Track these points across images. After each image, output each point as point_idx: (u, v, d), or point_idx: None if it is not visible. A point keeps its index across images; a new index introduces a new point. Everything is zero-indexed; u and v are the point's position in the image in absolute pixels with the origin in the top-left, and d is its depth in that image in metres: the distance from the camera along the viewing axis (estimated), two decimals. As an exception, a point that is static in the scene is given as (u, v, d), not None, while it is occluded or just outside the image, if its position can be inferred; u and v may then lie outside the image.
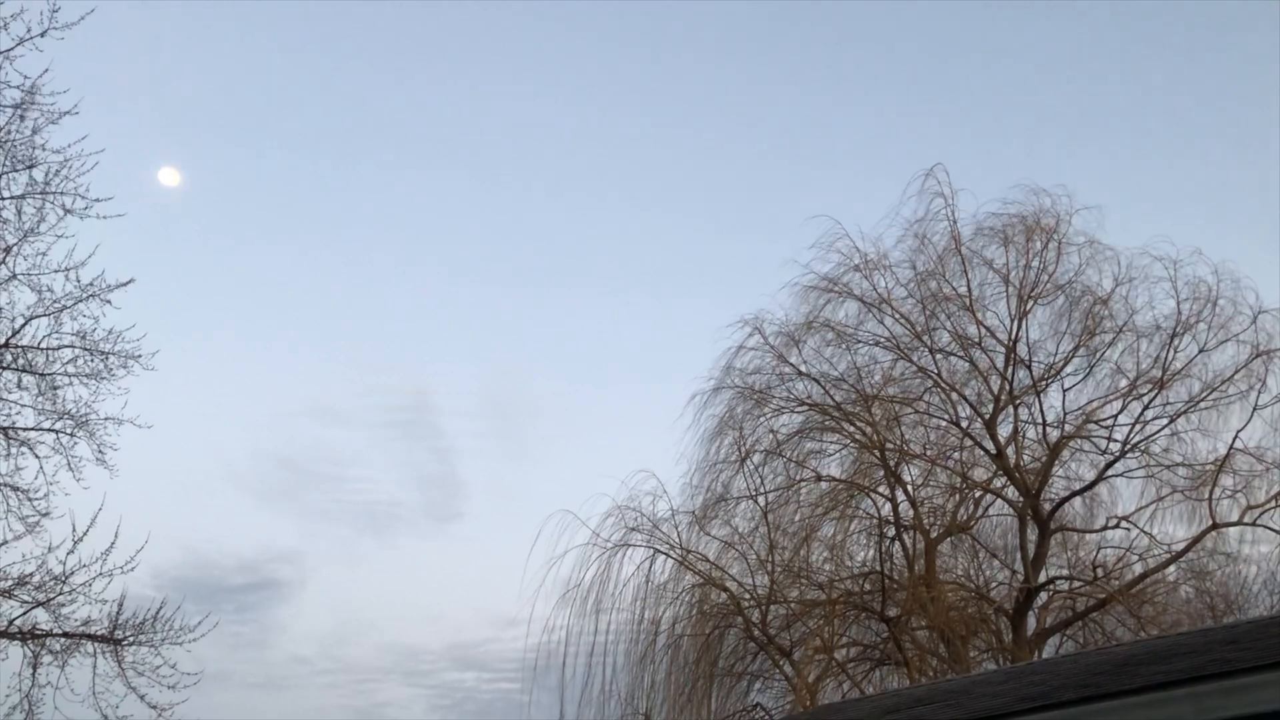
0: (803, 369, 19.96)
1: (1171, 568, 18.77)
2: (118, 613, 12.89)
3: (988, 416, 19.52)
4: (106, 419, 13.70)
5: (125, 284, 13.51)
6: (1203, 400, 19.09)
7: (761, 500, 18.90)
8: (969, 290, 19.95)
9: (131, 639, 12.90)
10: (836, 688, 19.23)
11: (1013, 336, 19.82)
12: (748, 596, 18.45)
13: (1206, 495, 18.43)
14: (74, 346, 13.51)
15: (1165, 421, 19.25)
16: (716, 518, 19.15)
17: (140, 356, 13.75)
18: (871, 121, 38.20)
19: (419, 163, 40.31)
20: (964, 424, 19.83)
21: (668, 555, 18.71)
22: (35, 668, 12.49)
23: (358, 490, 42.52)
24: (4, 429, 13.26)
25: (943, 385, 19.92)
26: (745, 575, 18.73)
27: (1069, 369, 19.87)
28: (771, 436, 19.57)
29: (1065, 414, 19.88)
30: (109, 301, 13.39)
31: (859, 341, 20.21)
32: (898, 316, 20.12)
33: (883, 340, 20.14)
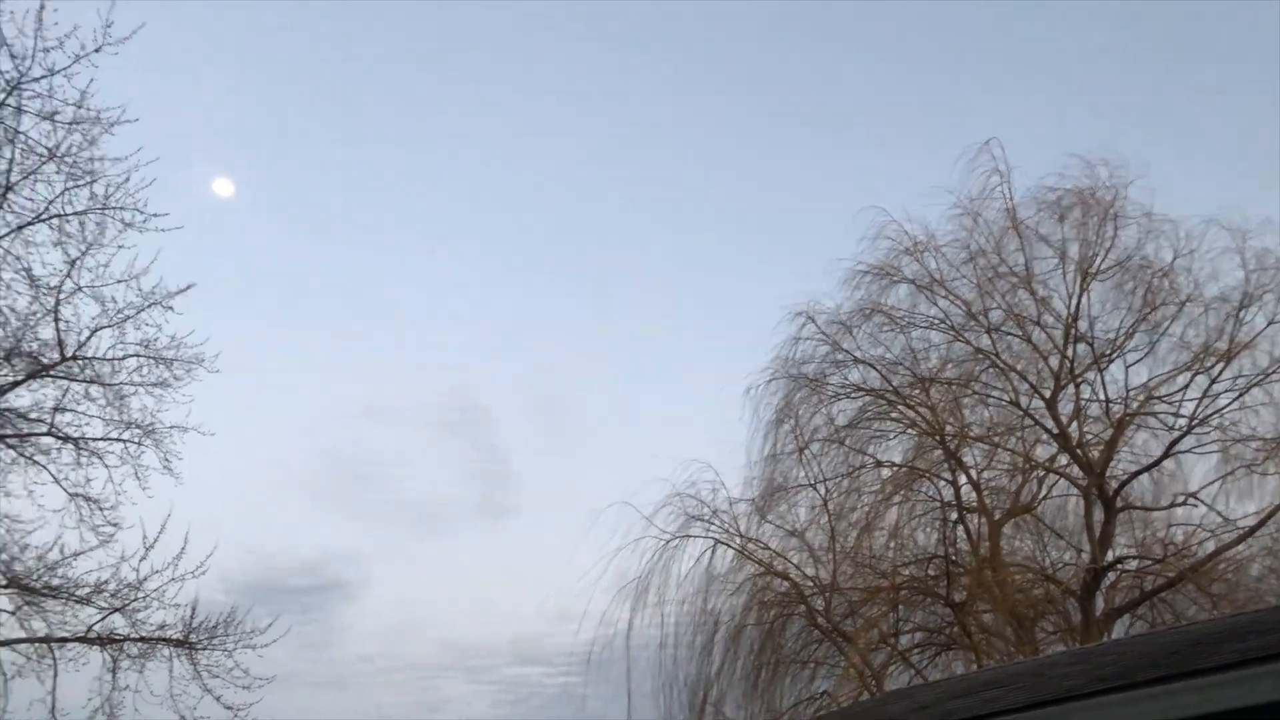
0: (857, 355, 19.83)
1: (1242, 544, 18.35)
2: (191, 617, 13.20)
3: (1048, 395, 19.20)
4: (172, 427, 14.04)
5: (185, 289, 13.82)
6: (1273, 373, 18.62)
7: (821, 489, 18.84)
8: (1026, 267, 19.64)
9: (205, 642, 13.18)
10: (902, 673, 19.08)
11: (1072, 312, 19.46)
12: (810, 585, 18.39)
13: (1277, 469, 18.00)
14: (138, 355, 13.83)
15: (1233, 395, 18.80)
16: (776, 507, 19.13)
17: (203, 360, 14.05)
18: (916, 102, 37.74)
19: (466, 165, 40.56)
20: (1024, 403, 19.51)
21: (727, 545, 18.71)
22: (115, 672, 12.82)
23: (413, 489, 43.00)
24: (75, 440, 13.59)
25: (1001, 365, 19.63)
26: (807, 564, 18.68)
27: (1131, 344, 19.46)
28: (829, 424, 19.47)
29: (1128, 390, 19.50)
30: (170, 308, 13.68)
31: (913, 325, 20.00)
32: (951, 297, 19.89)
33: (937, 322, 19.91)
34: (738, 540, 18.66)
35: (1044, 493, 19.72)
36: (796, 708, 18.79)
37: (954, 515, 18.86)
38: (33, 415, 13.53)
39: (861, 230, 20.44)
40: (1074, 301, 19.50)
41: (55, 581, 12.80)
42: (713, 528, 18.66)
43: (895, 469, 19.20)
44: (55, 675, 12.65)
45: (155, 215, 13.19)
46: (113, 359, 13.80)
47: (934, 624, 19.40)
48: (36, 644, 12.63)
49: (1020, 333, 19.74)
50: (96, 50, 12.14)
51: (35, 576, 12.70)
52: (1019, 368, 19.71)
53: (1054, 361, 19.49)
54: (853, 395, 19.73)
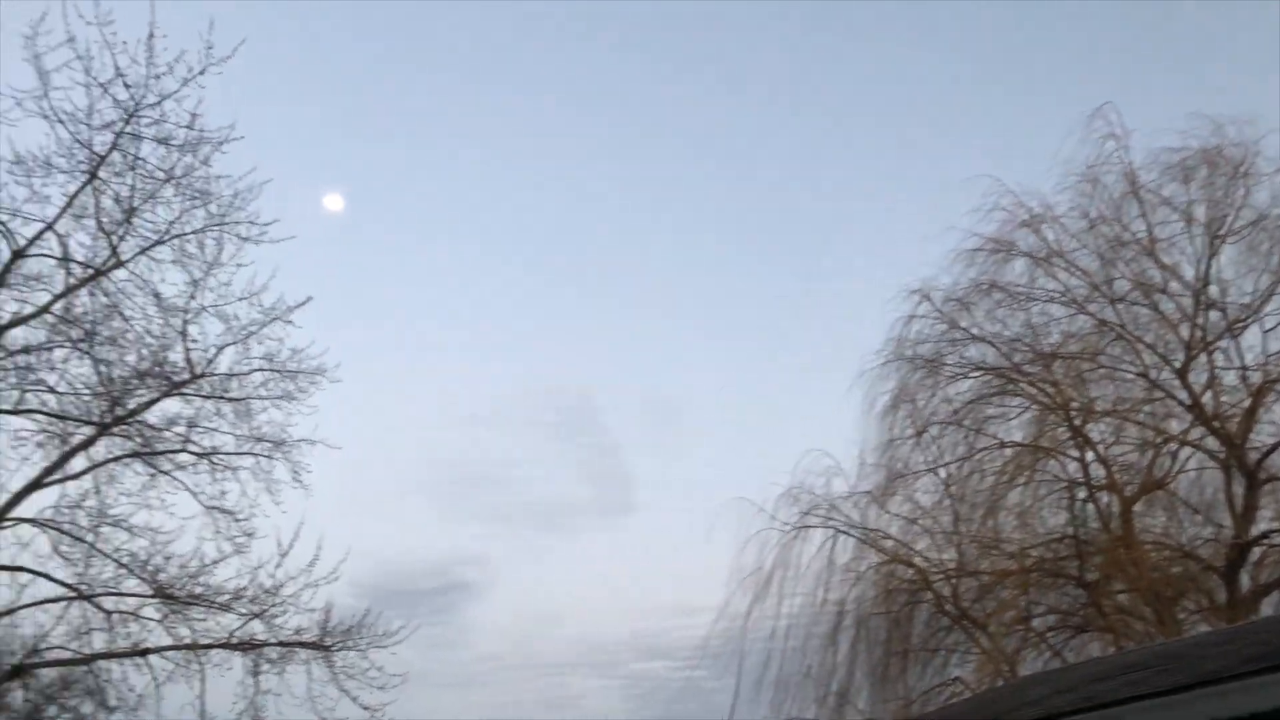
0: (975, 333, 19.31)
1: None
2: (325, 621, 13.63)
3: (1179, 365, 18.36)
4: (300, 440, 14.51)
5: (303, 303, 14.31)
6: None
7: (942, 472, 18.45)
8: (1149, 233, 18.83)
9: (340, 645, 13.58)
10: (1037, 657, 18.55)
11: (1201, 278, 18.57)
12: (936, 570, 18.03)
13: None
14: (263, 370, 14.35)
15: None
16: (896, 494, 18.78)
17: (325, 371, 14.52)
18: (1022, 71, 36.52)
19: (564, 167, 40.87)
20: (1153, 375, 18.69)
21: (848, 534, 18.48)
22: (257, 675, 13.32)
23: (531, 491, 43.55)
24: (208, 456, 14.14)
25: (1126, 336, 18.86)
26: (931, 550, 18.33)
27: (1268, 308, 18.49)
28: (948, 406, 19.02)
29: (1267, 356, 18.52)
30: (290, 321, 14.19)
31: (1032, 299, 19.35)
32: (1072, 269, 19.19)
33: (1057, 295, 19.23)
34: (858, 529, 18.41)
35: (1177, 467, 18.90)
36: (928, 695, 18.45)
37: (1083, 493, 18.23)
38: (168, 433, 14.15)
39: (974, 202, 19.87)
40: (1203, 266, 18.61)
41: (197, 590, 13.36)
42: (832, 518, 18.47)
43: (1019, 448, 18.64)
44: (203, 680, 13.21)
45: (268, 225, 13.72)
46: (239, 374, 14.37)
47: (1067, 606, 18.78)
48: (183, 650, 13.18)
49: (1147, 302, 18.93)
50: (202, 72, 12.63)
51: (179, 586, 13.27)
52: (1147, 339, 18.89)
53: (1184, 330, 18.63)
54: (971, 375, 19.22)
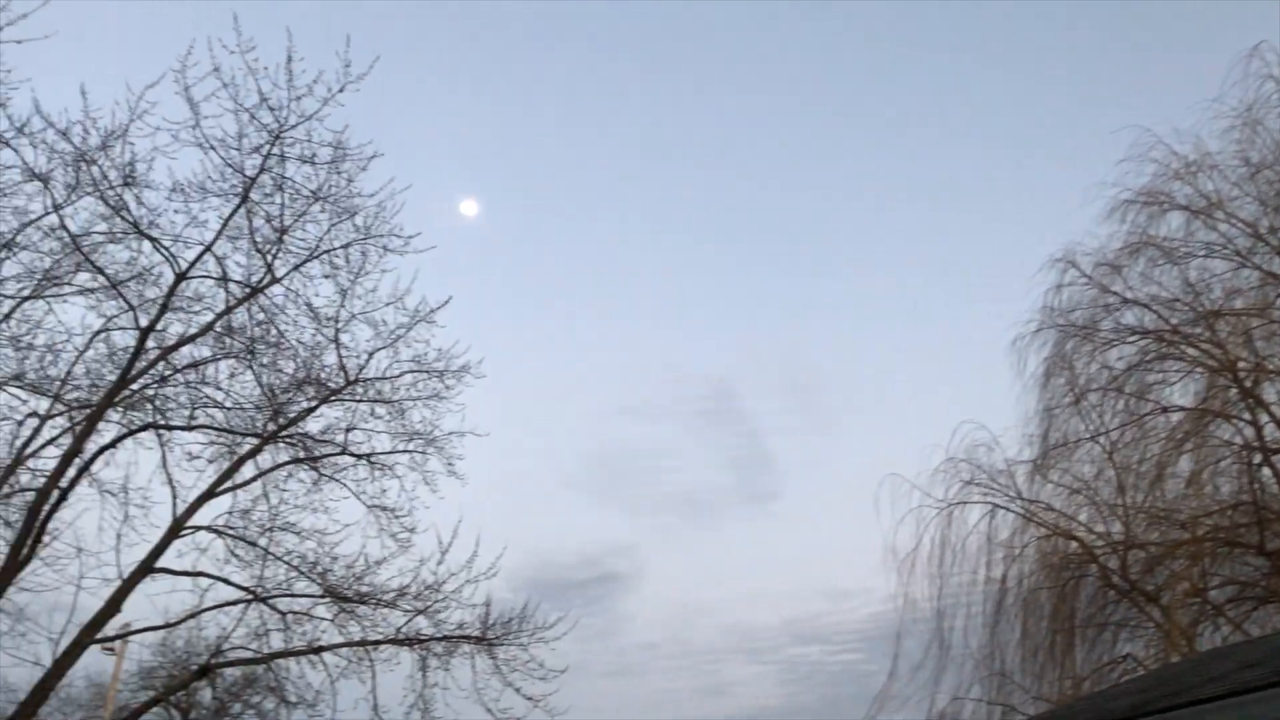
0: (1129, 296, 18.43)
1: None
2: (486, 615, 13.92)
3: (1359, 316, 17.20)
4: (450, 433, 14.95)
5: (444, 304, 14.72)
6: None
7: (1104, 441, 17.69)
8: (1317, 177, 17.65)
9: (501, 638, 13.87)
10: (1215, 631, 17.64)
11: (1381, 221, 17.34)
12: (1101, 543, 17.32)
13: None
14: (413, 371, 14.83)
15: None
16: (1056, 465, 18.11)
17: (470, 369, 14.91)
18: (1168, 14, 34.71)
19: (696, 158, 40.82)
20: (1330, 328, 17.57)
21: (1007, 509, 17.91)
22: (424, 670, 13.69)
23: (677, 480, 43.79)
24: (368, 457, 14.66)
25: (1297, 288, 17.74)
26: (1096, 521, 17.61)
27: None
28: (1106, 372, 18.22)
29: None
30: (434, 322, 14.61)
31: (1190, 255, 18.33)
32: (1232, 220, 18.09)
33: (1218, 249, 18.16)
34: (1018, 502, 17.83)
35: (1363, 424, 17.69)
36: (1098, 673, 17.77)
37: (1258, 458, 17.22)
38: (327, 437, 14.73)
39: (1122, 153, 18.96)
40: (1382, 207, 17.36)
41: (364, 588, 13.82)
42: (990, 491, 17.94)
43: (1185, 413, 17.73)
44: (373, 675, 13.63)
45: (411, 237, 14.14)
46: (390, 377, 14.86)
47: (1247, 576, 17.80)
48: (354, 647, 13.65)
49: (1318, 250, 17.77)
50: (340, 90, 13.00)
51: (347, 585, 13.76)
52: (1320, 289, 17.75)
53: (1363, 277, 17.43)
54: (1129, 339, 18.36)
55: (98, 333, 13.60)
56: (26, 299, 13.12)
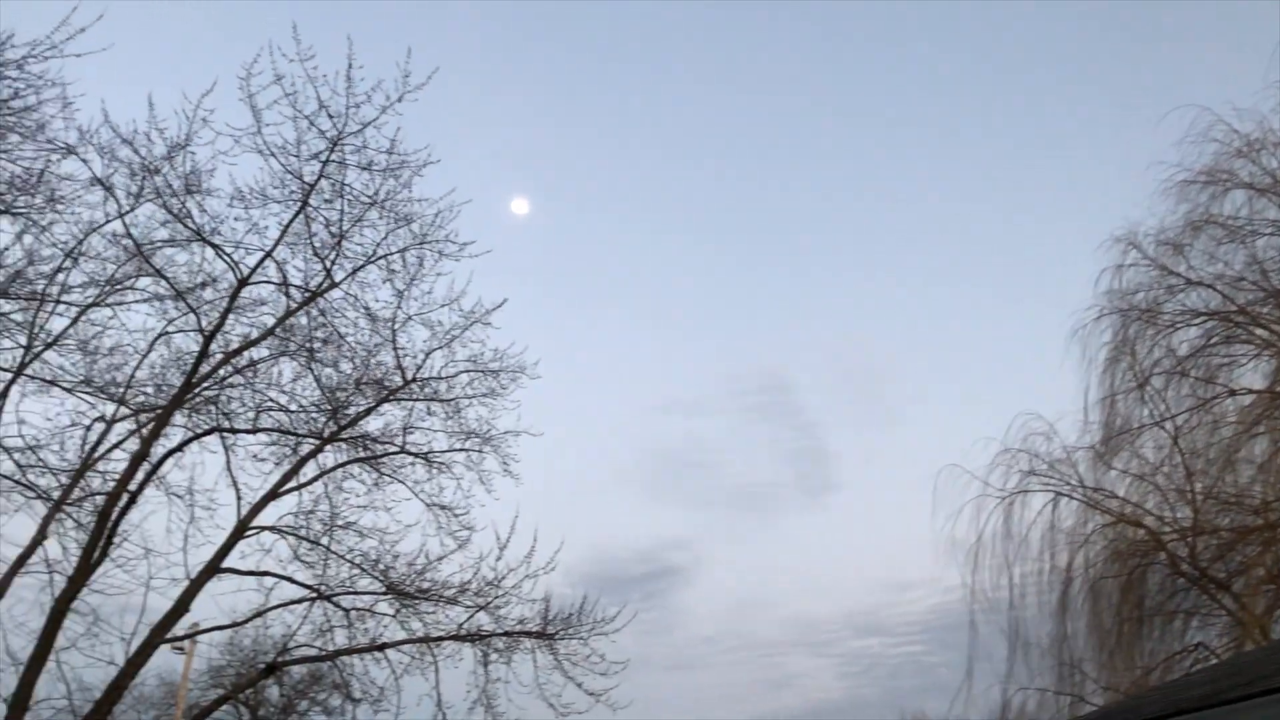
0: (1193, 276, 18.03)
1: None
2: (546, 610, 13.97)
3: None
4: (506, 433, 15.04)
5: (500, 305, 14.82)
6: None
7: (1169, 426, 17.33)
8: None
9: (561, 633, 13.91)
10: (1289, 619, 17.22)
11: None
12: (1169, 530, 16.97)
13: None
14: (469, 371, 14.94)
15: None
16: (1120, 451, 17.79)
17: (525, 369, 14.99)
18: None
19: (748, 151, 40.65)
20: (1405, 305, 17.05)
21: (1070, 496, 17.63)
22: (486, 665, 13.77)
23: (733, 474, 43.68)
24: (425, 455, 14.81)
25: (1369, 265, 17.24)
26: (1162, 508, 17.26)
27: None
28: (1170, 356, 17.85)
29: None
30: (489, 323, 14.71)
31: (1255, 233, 17.90)
32: (1298, 197, 17.66)
33: (1284, 226, 17.74)
34: (1081, 490, 17.54)
35: None
36: (1168, 661, 17.43)
37: (1334, 441, 16.77)
38: (385, 437, 14.89)
39: (1180, 134, 18.59)
40: None
41: (425, 585, 13.93)
42: (1052, 480, 17.67)
43: (1256, 396, 17.29)
44: (436, 671, 13.73)
45: (466, 244, 14.27)
46: (447, 377, 14.98)
47: (1323, 562, 17.36)
48: (417, 643, 13.77)
49: (1389, 225, 17.26)
50: (399, 99, 13.12)
51: (408, 582, 13.89)
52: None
53: None
54: (1193, 322, 17.98)
55: (159, 336, 13.88)
56: (91, 305, 13.40)
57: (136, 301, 13.84)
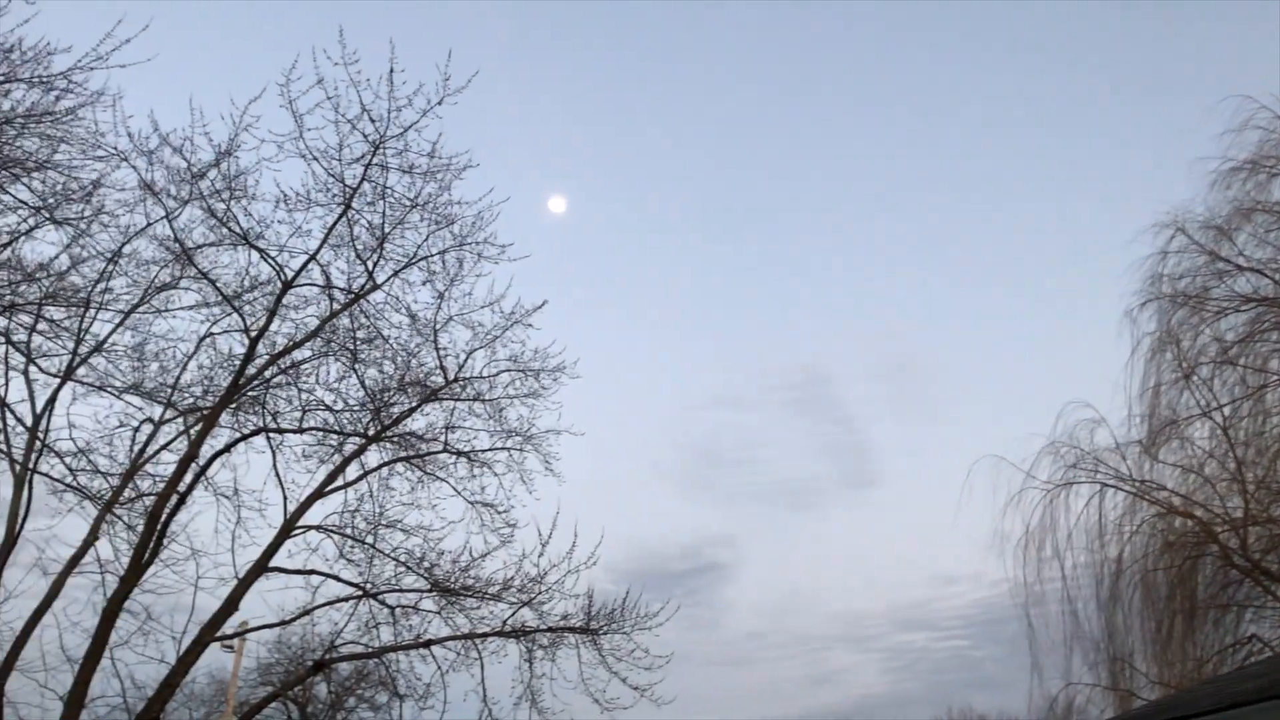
0: (1241, 262, 17.74)
1: None
2: (589, 605, 14.01)
3: None
4: (547, 432, 15.12)
5: (540, 306, 14.90)
6: None
7: (1218, 416, 17.05)
8: None
9: (605, 628, 13.95)
10: (1346, 612, 16.91)
11: None
12: (1220, 521, 16.70)
13: None
14: (510, 370, 15.05)
15: None
16: (1168, 442, 17.54)
17: (566, 368, 15.07)
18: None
19: (779, 148, 40.48)
20: None
21: (1118, 488, 17.42)
22: (531, 661, 13.84)
23: (774, 469, 43.53)
24: (467, 454, 14.92)
25: None
26: (1213, 499, 16.99)
27: None
28: (1216, 345, 17.57)
29: None
30: (530, 324, 14.81)
31: (1304, 219, 17.60)
32: (1349, 181, 17.33)
33: (1335, 211, 17.42)
34: (1129, 482, 17.31)
35: None
36: (1221, 655, 17.16)
37: (1389, 427, 16.44)
38: (428, 436, 15.02)
39: (1224, 124, 18.37)
40: None
41: (469, 582, 14.03)
42: (1099, 471, 17.45)
43: (1308, 383, 17.00)
44: (481, 667, 13.82)
45: (505, 247, 14.36)
46: (488, 376, 15.08)
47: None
48: (461, 640, 13.88)
49: None
50: (439, 103, 13.19)
51: (452, 579, 13.99)
52: None
53: None
54: (1242, 308, 17.68)
55: (203, 338, 14.11)
56: (137, 307, 13.63)
57: (182, 308, 14.09)
